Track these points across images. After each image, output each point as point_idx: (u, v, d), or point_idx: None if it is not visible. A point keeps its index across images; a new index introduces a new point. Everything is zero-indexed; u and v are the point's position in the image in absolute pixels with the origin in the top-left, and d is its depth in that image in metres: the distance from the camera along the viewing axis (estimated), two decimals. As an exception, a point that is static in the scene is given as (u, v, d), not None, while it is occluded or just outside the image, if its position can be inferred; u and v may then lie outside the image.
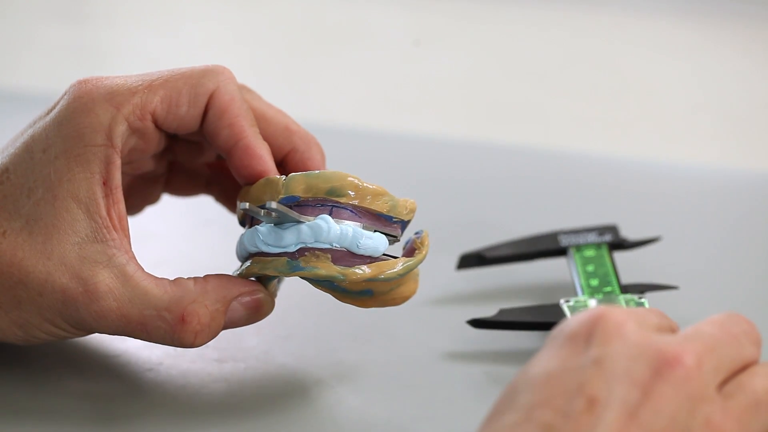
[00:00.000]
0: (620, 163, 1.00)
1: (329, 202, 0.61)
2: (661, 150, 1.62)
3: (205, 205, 0.76)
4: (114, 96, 0.61)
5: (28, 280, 0.59)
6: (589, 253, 0.73)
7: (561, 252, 0.74)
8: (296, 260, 0.60)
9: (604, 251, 0.73)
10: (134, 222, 0.65)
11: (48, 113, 0.62)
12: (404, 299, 0.63)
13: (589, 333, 0.47)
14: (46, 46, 1.83)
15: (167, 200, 0.72)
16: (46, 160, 0.60)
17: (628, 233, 0.77)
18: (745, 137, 1.68)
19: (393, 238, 0.63)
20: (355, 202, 0.61)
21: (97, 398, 0.63)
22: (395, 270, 0.61)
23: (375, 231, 0.61)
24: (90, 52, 1.84)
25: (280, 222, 0.61)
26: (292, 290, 0.71)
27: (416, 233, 0.64)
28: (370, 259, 0.61)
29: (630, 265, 0.76)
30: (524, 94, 1.79)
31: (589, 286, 0.70)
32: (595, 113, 1.76)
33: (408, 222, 0.63)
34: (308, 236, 0.60)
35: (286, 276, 0.61)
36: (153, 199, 0.71)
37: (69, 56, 1.79)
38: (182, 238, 0.84)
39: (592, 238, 0.74)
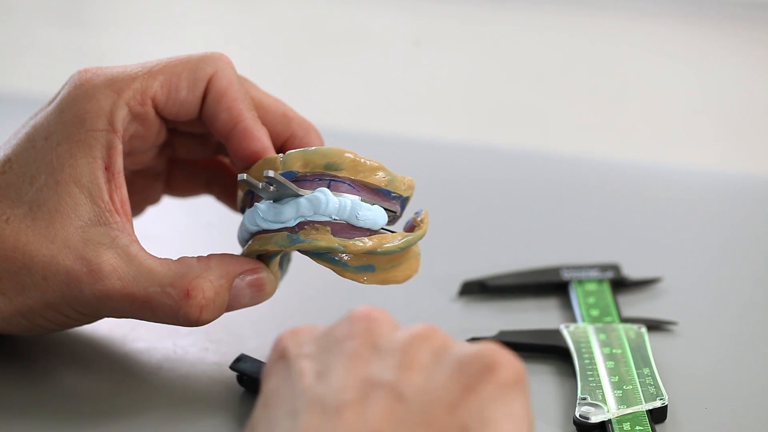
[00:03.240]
0: (620, 166, 1.00)
1: (327, 176, 0.61)
2: (660, 153, 1.62)
3: (204, 207, 0.75)
4: (114, 82, 0.62)
5: (32, 264, 0.59)
6: (591, 287, 0.74)
7: (563, 285, 0.75)
8: (296, 233, 0.60)
9: (606, 286, 0.74)
10: (134, 224, 0.64)
11: (50, 103, 0.63)
12: (406, 278, 0.63)
13: None
14: (45, 49, 1.83)
15: (167, 202, 0.72)
16: (48, 147, 0.61)
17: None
18: (745, 140, 1.68)
19: (392, 214, 0.63)
20: (353, 176, 0.61)
21: (97, 400, 0.63)
22: (395, 243, 0.61)
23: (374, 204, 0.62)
24: (89, 55, 1.84)
25: (279, 197, 0.61)
26: (293, 292, 0.71)
27: (416, 213, 0.64)
28: (369, 232, 0.61)
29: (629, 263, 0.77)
30: (524, 97, 1.79)
31: (589, 315, 0.71)
32: (596, 116, 1.77)
33: (407, 199, 0.64)
34: (307, 209, 0.60)
35: (287, 249, 0.61)
36: (154, 198, 0.71)
37: (68, 59, 1.79)
38: (182, 241, 0.84)
39: (594, 274, 0.75)
